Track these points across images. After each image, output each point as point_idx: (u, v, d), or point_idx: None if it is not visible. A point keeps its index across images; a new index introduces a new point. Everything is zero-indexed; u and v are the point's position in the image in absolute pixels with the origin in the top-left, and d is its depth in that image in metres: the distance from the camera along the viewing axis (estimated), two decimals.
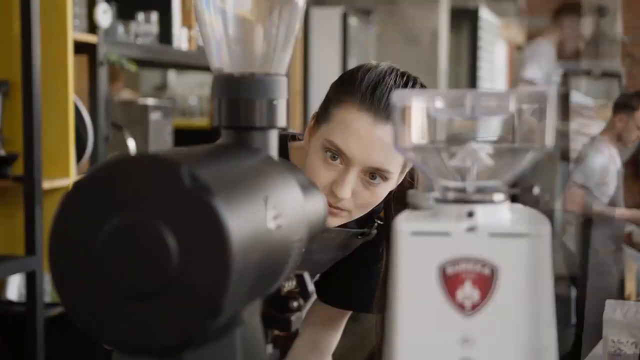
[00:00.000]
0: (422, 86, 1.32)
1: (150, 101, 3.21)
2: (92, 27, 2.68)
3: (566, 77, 4.58)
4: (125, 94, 3.96)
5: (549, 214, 4.50)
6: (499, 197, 0.70)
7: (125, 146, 2.96)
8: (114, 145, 2.96)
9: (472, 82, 7.67)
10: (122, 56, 2.74)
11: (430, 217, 0.71)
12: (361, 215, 1.30)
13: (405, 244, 0.68)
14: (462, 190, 0.71)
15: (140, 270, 0.60)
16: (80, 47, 2.65)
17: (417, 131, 0.70)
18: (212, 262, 0.59)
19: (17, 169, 2.42)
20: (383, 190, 1.28)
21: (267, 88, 0.80)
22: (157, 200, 0.60)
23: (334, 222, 1.29)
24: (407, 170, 1.34)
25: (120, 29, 2.99)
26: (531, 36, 10.01)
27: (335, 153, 1.24)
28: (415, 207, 0.79)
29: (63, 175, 2.53)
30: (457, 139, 0.72)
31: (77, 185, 0.62)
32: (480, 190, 0.70)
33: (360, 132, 1.22)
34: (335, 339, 1.56)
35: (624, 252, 4.56)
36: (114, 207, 0.61)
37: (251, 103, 0.79)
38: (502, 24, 8.68)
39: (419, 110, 0.70)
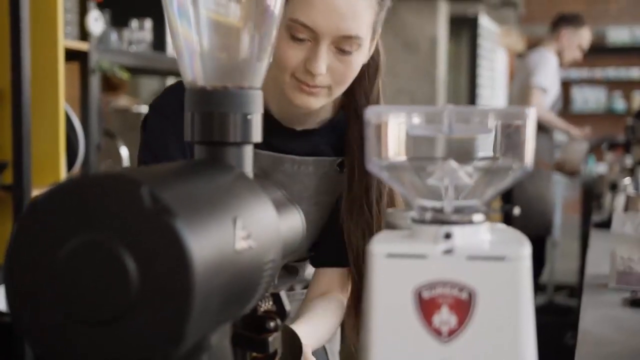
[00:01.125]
0: None
1: (145, 108, 3.18)
2: (84, 35, 2.66)
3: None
4: (123, 101, 3.93)
5: (547, 226, 4.52)
6: (478, 217, 0.67)
7: (118, 154, 2.93)
8: (107, 153, 2.94)
9: (472, 89, 7.64)
10: (115, 64, 2.71)
11: (406, 238, 0.68)
12: (341, 92, 1.28)
13: (379, 266, 0.65)
14: (440, 210, 0.68)
15: (99, 295, 0.57)
16: (72, 55, 2.62)
17: (392, 148, 0.68)
18: (173, 287, 0.56)
19: (7, 177, 2.39)
20: (357, 60, 1.24)
21: (241, 102, 0.77)
22: (116, 221, 0.57)
23: (316, 102, 1.26)
24: (377, 37, 1.30)
25: (114, 36, 2.96)
26: (531, 43, 10.02)
27: (301, 32, 1.20)
28: (392, 227, 0.76)
29: (53, 183, 2.50)
30: (435, 157, 0.70)
31: (35, 204, 0.59)
32: (458, 210, 0.67)
33: (323, 2, 1.18)
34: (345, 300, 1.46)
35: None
36: (72, 228, 0.58)
37: (225, 117, 0.77)
38: (502, 32, 8.66)
39: (394, 127, 0.67)
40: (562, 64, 4.57)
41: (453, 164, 0.68)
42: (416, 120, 0.66)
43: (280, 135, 1.35)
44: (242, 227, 0.66)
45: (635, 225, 1.89)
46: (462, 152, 0.69)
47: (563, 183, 5.98)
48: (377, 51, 1.35)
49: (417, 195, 0.69)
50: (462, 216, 0.66)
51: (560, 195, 6.01)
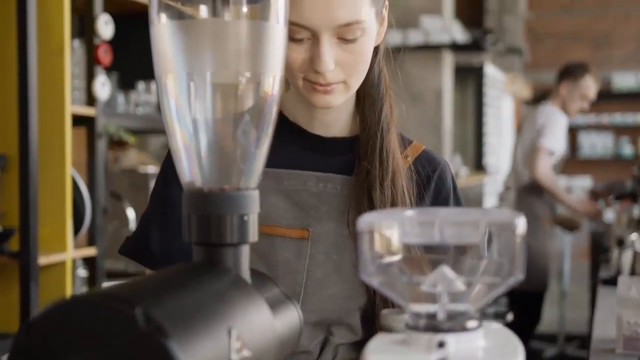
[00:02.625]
0: None
1: (151, 169, 3.21)
2: (91, 100, 2.69)
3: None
4: (132, 155, 3.96)
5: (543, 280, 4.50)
6: (471, 324, 0.67)
7: (125, 216, 2.95)
8: (113, 215, 2.95)
9: (479, 137, 7.67)
10: (121, 127, 2.74)
11: (401, 344, 0.68)
12: (359, 82, 1.18)
13: None
14: (434, 316, 0.68)
15: None
16: (79, 119, 2.65)
17: (385, 255, 0.68)
18: None
19: (13, 244, 2.40)
20: (366, 45, 1.15)
21: (238, 204, 0.78)
22: (110, 342, 0.58)
23: (335, 99, 1.17)
24: (385, 12, 1.22)
25: (121, 98, 3.00)
26: (537, 90, 10.08)
27: (297, 32, 1.12)
28: (387, 329, 0.76)
29: (60, 250, 2.51)
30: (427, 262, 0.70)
31: (30, 324, 0.60)
32: (452, 316, 0.68)
33: None
34: None
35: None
36: (66, 349, 0.59)
37: (222, 219, 0.78)
38: (507, 79, 8.72)
39: (385, 236, 0.68)
40: (568, 115, 4.59)
41: (446, 270, 0.69)
42: (408, 229, 0.67)
43: (307, 147, 1.26)
44: (237, 338, 0.66)
45: None
46: (456, 257, 0.70)
47: (570, 235, 5.96)
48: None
49: (411, 301, 0.69)
50: (456, 323, 0.67)
51: (569, 244, 5.99)
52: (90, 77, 2.68)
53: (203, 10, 0.76)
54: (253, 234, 0.79)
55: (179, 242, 1.19)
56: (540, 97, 10.21)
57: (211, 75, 0.78)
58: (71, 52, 2.59)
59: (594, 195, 9.38)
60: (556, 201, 4.53)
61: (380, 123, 1.24)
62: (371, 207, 1.19)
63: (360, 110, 1.26)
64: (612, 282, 2.80)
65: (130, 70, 3.02)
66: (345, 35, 1.13)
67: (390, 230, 0.68)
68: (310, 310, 1.19)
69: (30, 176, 2.37)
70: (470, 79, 7.45)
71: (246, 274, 0.79)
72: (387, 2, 1.22)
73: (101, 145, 2.68)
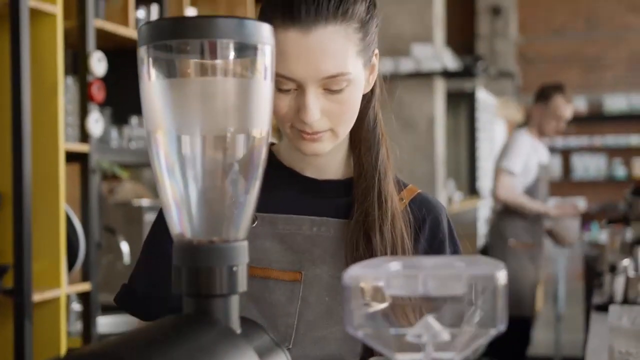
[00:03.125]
0: None
1: (145, 202, 3.22)
2: (85, 136, 2.71)
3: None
4: (127, 187, 3.97)
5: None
6: None
7: (119, 250, 2.96)
8: (107, 249, 2.96)
9: (472, 162, 7.70)
10: (114, 163, 2.76)
11: None
12: (347, 130, 1.20)
13: None
14: None
15: None
16: (73, 155, 2.67)
17: (370, 309, 0.70)
18: None
19: (7, 281, 2.41)
20: (352, 94, 1.17)
21: (226, 255, 0.80)
22: None
23: (322, 147, 1.19)
24: (374, 60, 1.23)
25: (114, 133, 3.02)
26: (529, 114, 10.15)
27: (284, 83, 1.14)
28: None
29: (54, 286, 2.52)
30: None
31: None
32: None
33: (294, 50, 1.12)
34: None
35: (542, 250, 4.65)
36: None
37: (211, 271, 0.79)
38: (499, 103, 8.77)
39: (370, 289, 0.70)
40: (546, 136, 4.65)
41: (431, 320, 0.70)
42: (392, 282, 0.69)
43: (302, 190, 1.28)
44: None
45: (632, 318, 1.89)
46: (440, 308, 0.71)
47: (564, 255, 5.98)
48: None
49: (396, 351, 0.71)
50: None
51: (563, 267, 6.01)
52: (83, 113, 2.70)
53: (192, 67, 0.79)
54: (242, 284, 0.81)
55: (168, 293, 1.20)
56: None
57: (200, 131, 0.80)
58: (64, 90, 2.62)
59: (586, 217, 9.40)
60: (530, 212, 4.49)
61: (377, 167, 1.25)
62: (370, 250, 1.21)
63: (355, 154, 1.28)
64: (604, 308, 2.81)
65: (123, 105, 3.05)
66: (330, 86, 1.14)
67: (376, 283, 0.70)
68: (301, 354, 1.20)
69: (24, 213, 2.39)
70: (462, 104, 7.49)
71: (236, 324, 0.81)
72: (377, 51, 1.24)
73: (95, 181, 2.70)
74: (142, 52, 0.79)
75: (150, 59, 0.78)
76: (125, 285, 1.32)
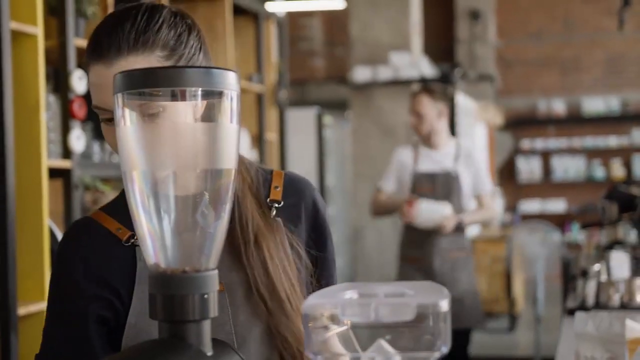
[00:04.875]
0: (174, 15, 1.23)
1: None
2: (67, 152, 2.77)
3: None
4: (110, 197, 4.01)
5: None
6: None
7: None
8: None
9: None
10: (97, 178, 2.82)
11: None
12: None
13: None
14: None
15: None
16: (55, 172, 2.73)
17: (326, 334, 0.77)
18: None
19: None
20: (171, 120, 1.17)
21: (198, 284, 0.87)
22: None
23: None
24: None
25: (96, 147, 3.08)
26: (508, 116, 10.27)
27: (102, 114, 1.21)
28: None
29: (38, 299, 2.58)
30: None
31: None
32: None
33: (101, 81, 1.19)
34: None
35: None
36: None
37: (184, 299, 0.86)
38: (479, 107, 8.86)
39: (327, 316, 0.77)
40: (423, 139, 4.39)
41: (384, 343, 0.78)
42: (347, 311, 0.76)
43: None
44: None
45: (597, 324, 1.96)
46: (391, 332, 0.79)
47: (543, 256, 6.07)
48: None
49: None
50: None
51: (542, 268, 6.10)
52: (65, 130, 2.76)
53: (163, 113, 0.86)
54: (213, 310, 0.88)
55: (88, 352, 1.22)
56: (512, 122, 10.39)
57: (172, 170, 0.87)
58: (46, 107, 2.68)
59: (566, 218, 9.51)
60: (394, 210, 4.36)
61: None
62: (243, 268, 1.26)
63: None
64: (576, 311, 2.88)
65: None
66: (146, 112, 1.14)
67: (332, 311, 0.77)
68: (252, 354, 1.26)
69: (8, 229, 2.45)
70: None
71: (207, 347, 0.88)
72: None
73: (77, 196, 2.76)
74: (117, 99, 0.86)
75: (125, 106, 0.86)
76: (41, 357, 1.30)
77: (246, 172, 1.33)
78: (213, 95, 0.86)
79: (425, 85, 4.44)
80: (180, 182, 0.87)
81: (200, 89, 0.85)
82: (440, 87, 4.41)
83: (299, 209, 1.35)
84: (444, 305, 0.75)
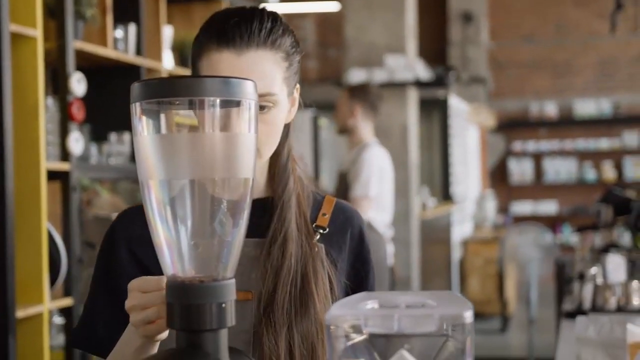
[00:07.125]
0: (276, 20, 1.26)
1: None
2: (65, 154, 2.76)
3: None
4: (105, 198, 4.00)
5: None
6: None
7: None
8: (88, 264, 3.01)
9: (445, 168, 7.79)
10: (95, 180, 2.81)
11: None
12: (270, 153, 1.27)
13: None
14: None
15: None
16: (54, 174, 2.72)
17: (348, 343, 0.77)
18: None
19: None
20: (278, 117, 1.25)
21: (216, 293, 0.87)
22: None
23: None
24: (296, 94, 1.31)
25: (94, 149, 3.07)
26: (501, 119, 10.29)
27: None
28: None
29: (37, 302, 2.57)
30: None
31: None
32: None
33: (228, 69, 1.20)
34: None
35: None
36: None
37: (202, 308, 0.86)
38: (472, 109, 8.88)
39: (350, 326, 0.77)
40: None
41: (405, 354, 0.78)
42: (371, 322, 0.76)
43: None
44: None
45: (598, 329, 1.96)
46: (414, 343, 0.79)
47: (536, 258, 6.08)
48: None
49: None
50: None
51: (536, 270, 6.11)
52: (64, 133, 2.75)
53: (181, 123, 0.85)
54: (231, 319, 0.88)
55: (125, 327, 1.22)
56: (504, 125, 10.42)
57: (189, 179, 0.87)
58: (45, 110, 2.67)
59: (557, 220, 9.52)
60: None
61: (282, 196, 1.30)
62: (265, 268, 1.26)
63: (270, 177, 1.34)
64: (574, 315, 2.88)
65: (102, 122, 3.10)
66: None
67: (355, 322, 0.77)
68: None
69: (7, 231, 2.44)
70: (435, 111, 7.59)
71: (225, 356, 0.88)
72: (298, 85, 1.32)
73: (75, 198, 2.75)
74: (135, 108, 0.86)
75: (143, 115, 0.85)
76: (82, 326, 1.31)
77: (301, 192, 1.33)
78: (231, 104, 0.86)
79: (357, 85, 4.40)
80: (197, 191, 0.87)
81: (218, 98, 0.85)
82: (370, 90, 4.33)
83: (344, 237, 1.35)
84: (468, 316, 0.75)
